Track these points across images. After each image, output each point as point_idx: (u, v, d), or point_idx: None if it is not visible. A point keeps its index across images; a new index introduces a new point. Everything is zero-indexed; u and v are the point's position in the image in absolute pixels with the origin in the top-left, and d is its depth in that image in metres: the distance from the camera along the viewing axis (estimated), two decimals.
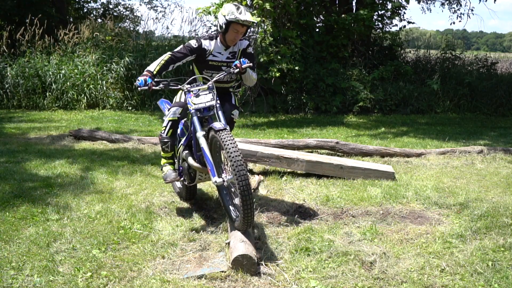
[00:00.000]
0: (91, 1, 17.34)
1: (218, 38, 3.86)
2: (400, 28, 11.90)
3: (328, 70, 10.14)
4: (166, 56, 3.79)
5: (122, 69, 9.86)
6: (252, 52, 4.01)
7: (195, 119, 3.54)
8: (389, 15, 11.50)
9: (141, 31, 13.37)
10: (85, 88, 9.86)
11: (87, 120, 8.56)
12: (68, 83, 9.77)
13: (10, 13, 12.64)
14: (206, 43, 3.83)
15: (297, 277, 2.93)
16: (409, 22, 11.99)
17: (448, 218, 3.94)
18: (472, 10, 12.75)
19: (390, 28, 11.92)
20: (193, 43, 3.84)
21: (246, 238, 3.15)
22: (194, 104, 3.55)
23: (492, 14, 37.28)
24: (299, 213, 4.07)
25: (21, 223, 3.58)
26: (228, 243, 3.19)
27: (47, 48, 10.64)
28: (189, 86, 3.68)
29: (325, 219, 3.90)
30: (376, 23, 11.52)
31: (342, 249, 3.24)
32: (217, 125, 3.33)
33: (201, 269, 2.98)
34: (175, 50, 3.86)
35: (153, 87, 3.59)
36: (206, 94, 3.58)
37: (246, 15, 3.67)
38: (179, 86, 3.71)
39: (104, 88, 9.93)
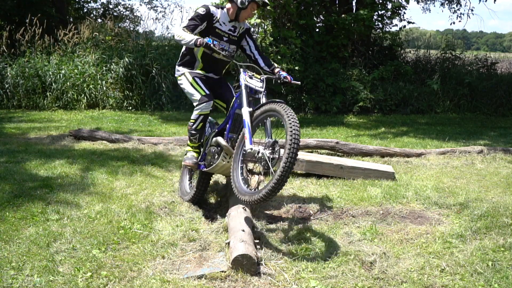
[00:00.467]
0: (91, 1, 17.35)
1: (225, 10, 3.98)
2: (400, 28, 11.90)
3: (328, 70, 10.14)
4: (181, 29, 3.81)
5: (121, 69, 9.86)
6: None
7: (244, 92, 3.60)
8: (389, 15, 11.50)
9: (141, 31, 13.38)
10: (85, 88, 9.86)
11: (87, 120, 8.55)
12: (68, 83, 9.77)
13: (10, 13, 12.64)
14: (213, 9, 3.94)
15: (297, 277, 2.93)
16: (409, 22, 12.01)
17: (448, 218, 3.94)
18: (472, 10, 12.73)
19: (390, 28, 11.93)
20: (201, 10, 3.91)
21: (246, 238, 3.14)
22: (247, 81, 3.65)
23: (492, 14, 37.25)
24: (299, 213, 4.07)
25: (21, 223, 3.57)
26: (228, 243, 3.19)
27: (47, 48, 10.64)
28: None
29: (325, 219, 3.89)
30: (376, 23, 11.52)
31: (342, 249, 3.24)
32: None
33: (201, 269, 2.98)
34: (185, 25, 3.88)
35: (220, 51, 3.71)
36: (258, 81, 3.73)
37: None
38: (241, 63, 3.82)
39: (104, 88, 9.93)
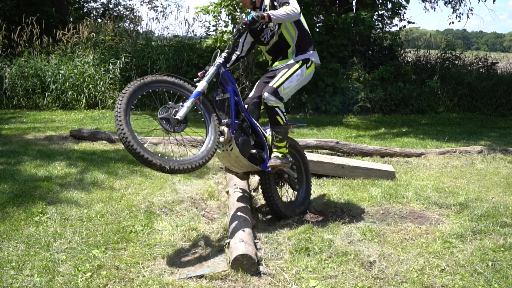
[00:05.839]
0: (91, 1, 17.35)
1: None
2: (400, 28, 11.91)
3: (328, 70, 10.14)
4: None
5: (118, 69, 9.85)
6: None
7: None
8: (389, 15, 11.51)
9: (141, 31, 13.37)
10: (85, 88, 9.86)
11: (87, 120, 8.55)
12: (67, 83, 9.77)
13: (10, 13, 12.64)
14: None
15: (297, 277, 2.93)
16: (409, 22, 12.03)
17: (448, 218, 3.94)
18: (471, 10, 12.73)
19: (390, 28, 11.95)
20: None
21: (246, 238, 3.14)
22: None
23: (492, 14, 37.20)
24: (299, 213, 4.07)
25: (21, 223, 3.57)
26: (228, 243, 3.19)
27: (46, 48, 10.64)
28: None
29: (325, 219, 3.89)
30: (376, 23, 11.52)
31: (342, 249, 3.24)
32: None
33: (201, 269, 2.98)
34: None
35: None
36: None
37: None
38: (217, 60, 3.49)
39: (103, 88, 9.93)
